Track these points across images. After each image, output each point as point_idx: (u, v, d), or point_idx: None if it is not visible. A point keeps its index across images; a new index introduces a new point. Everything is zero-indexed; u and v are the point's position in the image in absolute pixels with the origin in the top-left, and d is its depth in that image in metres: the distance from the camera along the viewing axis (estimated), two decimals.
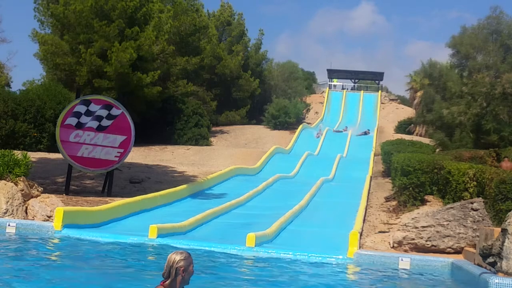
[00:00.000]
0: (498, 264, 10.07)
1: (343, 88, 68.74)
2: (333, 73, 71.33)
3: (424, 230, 14.24)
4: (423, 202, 18.76)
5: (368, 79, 73.23)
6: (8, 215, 14.32)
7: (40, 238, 12.88)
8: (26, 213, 14.87)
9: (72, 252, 11.86)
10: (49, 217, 14.81)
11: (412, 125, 48.07)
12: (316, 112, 56.94)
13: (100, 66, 22.95)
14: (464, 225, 14.10)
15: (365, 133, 37.51)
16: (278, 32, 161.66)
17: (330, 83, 70.05)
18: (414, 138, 38.07)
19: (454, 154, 24.81)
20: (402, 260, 12.85)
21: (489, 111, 30.65)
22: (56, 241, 12.90)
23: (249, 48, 52.32)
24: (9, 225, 13.41)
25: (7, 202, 14.47)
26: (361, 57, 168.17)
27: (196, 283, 9.59)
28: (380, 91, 64.96)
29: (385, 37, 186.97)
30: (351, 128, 37.06)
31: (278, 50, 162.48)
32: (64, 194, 18.61)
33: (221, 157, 32.14)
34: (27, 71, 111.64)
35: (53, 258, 11.27)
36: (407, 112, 54.55)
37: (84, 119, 19.63)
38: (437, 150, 30.59)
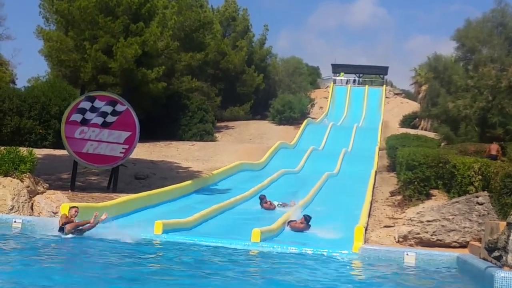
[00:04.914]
0: (504, 258, 10.06)
1: (347, 83, 68.62)
2: (337, 68, 71.22)
3: (430, 225, 14.23)
4: (428, 196, 18.76)
5: (372, 74, 73.10)
6: (14, 212, 14.38)
7: (46, 234, 12.90)
8: (32, 209, 14.93)
9: (78, 248, 11.88)
10: (55, 213, 14.85)
11: (417, 119, 48.00)
12: (321, 107, 56.89)
13: (105, 62, 22.91)
14: (470, 219, 14.08)
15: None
16: (279, 27, 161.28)
17: (335, 77, 69.92)
18: (419, 132, 38.01)
19: (459, 148, 24.81)
20: (407, 254, 12.85)
21: (494, 105, 30.59)
22: (62, 237, 12.91)
23: (253, 44, 52.26)
24: (15, 221, 13.46)
25: (13, 199, 14.52)
26: (363, 51, 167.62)
27: (202, 279, 9.62)
28: (384, 86, 64.83)
29: (387, 31, 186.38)
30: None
31: (279, 44, 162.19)
32: (69, 191, 18.66)
33: (225, 152, 32.16)
34: (32, 68, 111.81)
35: (59, 254, 11.29)
36: (412, 106, 54.42)
37: (89, 115, 19.68)
38: (442, 144, 30.54)
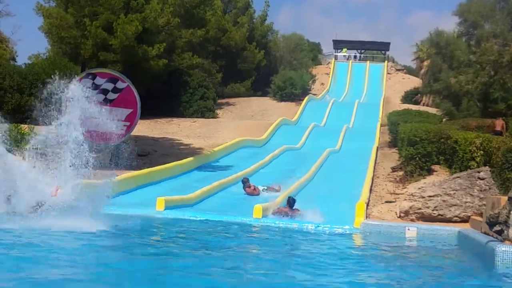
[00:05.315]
0: (505, 232, 10.10)
1: (348, 59, 68.31)
2: (338, 44, 70.86)
3: (431, 200, 14.26)
4: (430, 172, 18.78)
5: (374, 49, 72.72)
6: None
7: None
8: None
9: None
10: (57, 191, 14.85)
11: (419, 95, 47.86)
12: (322, 83, 56.72)
13: (105, 39, 22.81)
14: (471, 194, 14.11)
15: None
16: (280, 3, 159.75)
17: (337, 53, 69.58)
18: (421, 108, 37.94)
19: (461, 124, 24.77)
20: (408, 229, 12.91)
21: (496, 80, 30.48)
22: None
23: (254, 20, 51.96)
24: None
25: None
26: (364, 26, 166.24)
27: (204, 254, 9.67)
28: (386, 61, 64.56)
29: (388, 6, 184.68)
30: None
31: (280, 21, 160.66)
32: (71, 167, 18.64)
33: (227, 129, 32.14)
34: (32, 45, 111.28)
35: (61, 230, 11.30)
36: (414, 82, 54.24)
37: (89, 92, 19.61)
38: (444, 119, 30.50)
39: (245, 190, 17.36)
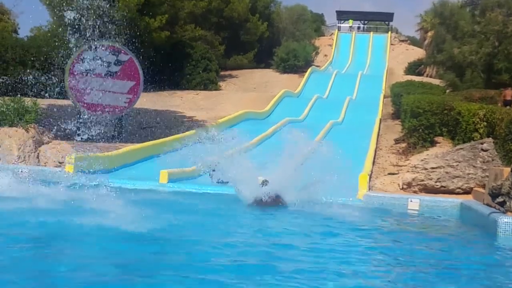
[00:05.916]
0: (507, 203, 10.13)
1: (351, 30, 67.84)
2: (342, 15, 70.35)
3: (434, 171, 14.29)
4: (433, 143, 18.78)
5: (377, 20, 72.20)
6: (20, 162, 14.48)
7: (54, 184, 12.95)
8: (38, 159, 15.01)
9: (85, 199, 11.94)
10: (61, 163, 14.95)
11: (422, 66, 47.64)
12: (325, 55, 56.43)
13: (107, 10, 22.72)
14: (474, 166, 14.13)
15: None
16: None
17: (340, 24, 69.10)
18: (424, 79, 37.74)
19: (465, 95, 24.70)
20: (411, 201, 12.94)
21: (501, 50, 30.32)
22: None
23: None
24: (21, 171, 13.54)
25: (19, 149, 14.61)
26: None
27: (209, 226, 9.73)
28: (390, 32, 64.09)
29: None
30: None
31: None
32: (74, 140, 18.71)
33: (230, 101, 32.08)
34: (34, 17, 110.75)
35: (58, 203, 11.34)
36: (418, 53, 53.90)
37: (92, 65, 19.57)
38: (448, 91, 30.40)
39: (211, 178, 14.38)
